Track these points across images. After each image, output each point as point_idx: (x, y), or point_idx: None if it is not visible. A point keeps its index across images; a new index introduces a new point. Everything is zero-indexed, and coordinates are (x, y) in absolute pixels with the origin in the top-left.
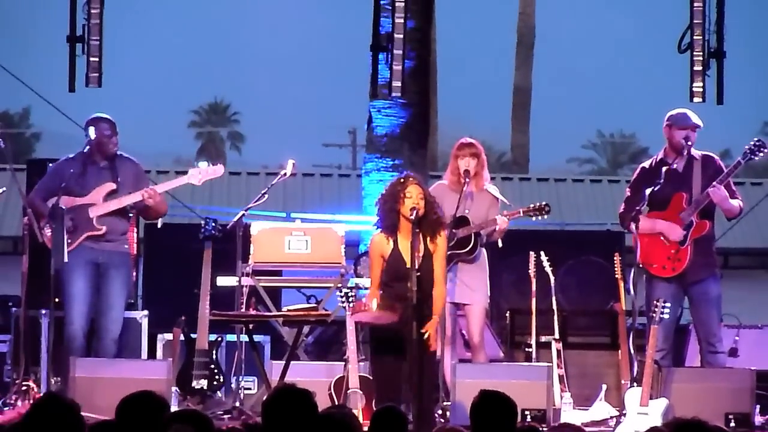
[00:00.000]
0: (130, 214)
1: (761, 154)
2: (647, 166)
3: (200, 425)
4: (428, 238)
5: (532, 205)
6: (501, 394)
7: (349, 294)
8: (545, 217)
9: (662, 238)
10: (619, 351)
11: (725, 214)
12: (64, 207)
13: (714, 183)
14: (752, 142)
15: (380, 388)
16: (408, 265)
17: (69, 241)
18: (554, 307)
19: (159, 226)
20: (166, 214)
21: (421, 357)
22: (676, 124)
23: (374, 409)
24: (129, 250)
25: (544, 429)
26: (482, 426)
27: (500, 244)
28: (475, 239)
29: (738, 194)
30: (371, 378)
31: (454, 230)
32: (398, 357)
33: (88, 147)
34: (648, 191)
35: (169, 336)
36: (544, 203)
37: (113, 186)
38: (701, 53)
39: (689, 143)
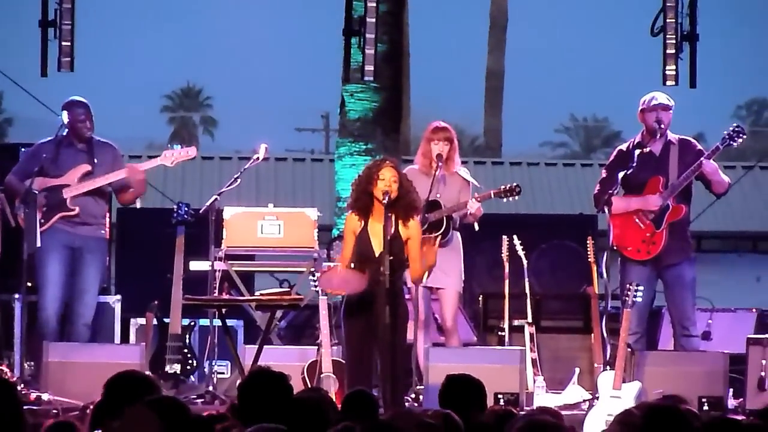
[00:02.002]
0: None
1: (740, 140)
2: (624, 149)
3: (173, 412)
4: (400, 221)
5: (502, 187)
6: (467, 376)
7: (318, 277)
8: (516, 198)
9: (637, 220)
10: (592, 335)
11: (715, 187)
12: (36, 191)
13: (702, 158)
14: (731, 128)
15: (351, 360)
16: (374, 249)
17: (42, 221)
18: (527, 290)
19: (138, 206)
20: (143, 195)
21: (392, 341)
22: (646, 108)
23: (347, 391)
24: (105, 236)
25: (520, 412)
26: (452, 409)
27: (477, 228)
28: (448, 223)
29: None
30: (343, 360)
31: (426, 214)
32: (371, 329)
33: (65, 130)
34: (621, 174)
35: (142, 320)
36: (515, 184)
37: (88, 167)
38: (674, 36)
39: (662, 125)
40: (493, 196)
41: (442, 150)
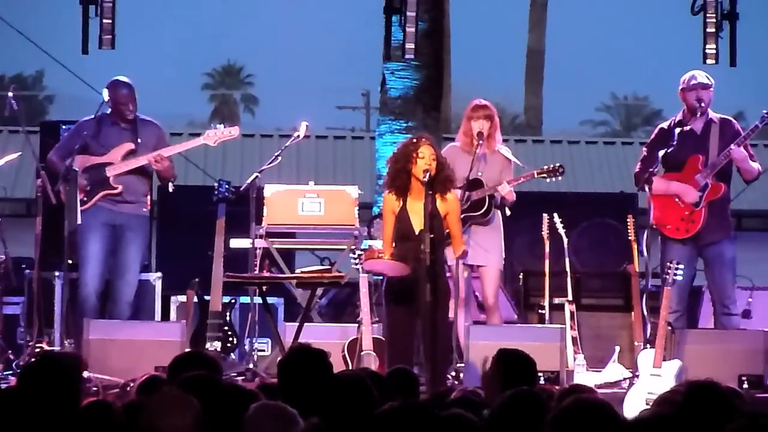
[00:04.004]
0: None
1: None
2: (665, 127)
3: (208, 389)
4: (438, 198)
5: (546, 167)
6: (520, 352)
7: (363, 256)
8: (559, 178)
9: (676, 198)
10: (633, 313)
11: (744, 175)
12: (77, 168)
13: (732, 145)
14: None
15: (392, 339)
16: (414, 227)
17: (85, 199)
18: (567, 268)
19: (170, 190)
20: (174, 180)
21: (433, 318)
22: (686, 87)
23: (387, 369)
24: (147, 214)
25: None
26: (500, 385)
27: (508, 213)
28: (489, 201)
29: (756, 158)
30: (384, 338)
31: (468, 192)
32: (412, 308)
33: (109, 108)
34: (661, 153)
35: (182, 298)
36: (558, 165)
37: (132, 146)
38: (714, 15)
39: (702, 104)
40: (536, 175)
41: (482, 127)
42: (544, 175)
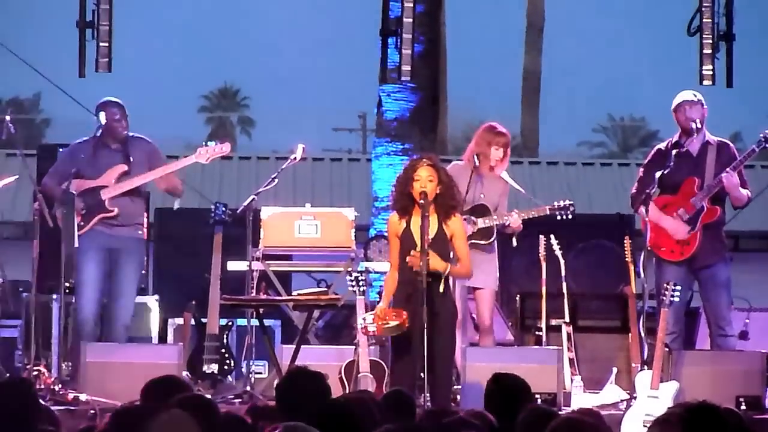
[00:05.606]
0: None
1: None
2: (662, 148)
3: (204, 411)
4: (442, 219)
5: (557, 204)
6: (514, 376)
7: (359, 278)
8: (569, 216)
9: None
10: (630, 334)
11: (733, 202)
12: (75, 191)
13: (727, 169)
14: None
15: (396, 354)
16: (417, 246)
17: (81, 224)
18: (564, 290)
19: (175, 209)
20: (180, 195)
21: (432, 341)
22: (675, 108)
23: (384, 392)
24: (143, 236)
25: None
26: (496, 409)
27: (515, 243)
28: (495, 230)
29: (748, 184)
30: (383, 364)
31: (473, 217)
32: (414, 318)
33: (100, 131)
34: (658, 174)
35: (179, 320)
36: (569, 203)
37: (125, 168)
38: (710, 36)
39: (695, 122)
40: (548, 212)
41: (499, 155)
42: (555, 212)
